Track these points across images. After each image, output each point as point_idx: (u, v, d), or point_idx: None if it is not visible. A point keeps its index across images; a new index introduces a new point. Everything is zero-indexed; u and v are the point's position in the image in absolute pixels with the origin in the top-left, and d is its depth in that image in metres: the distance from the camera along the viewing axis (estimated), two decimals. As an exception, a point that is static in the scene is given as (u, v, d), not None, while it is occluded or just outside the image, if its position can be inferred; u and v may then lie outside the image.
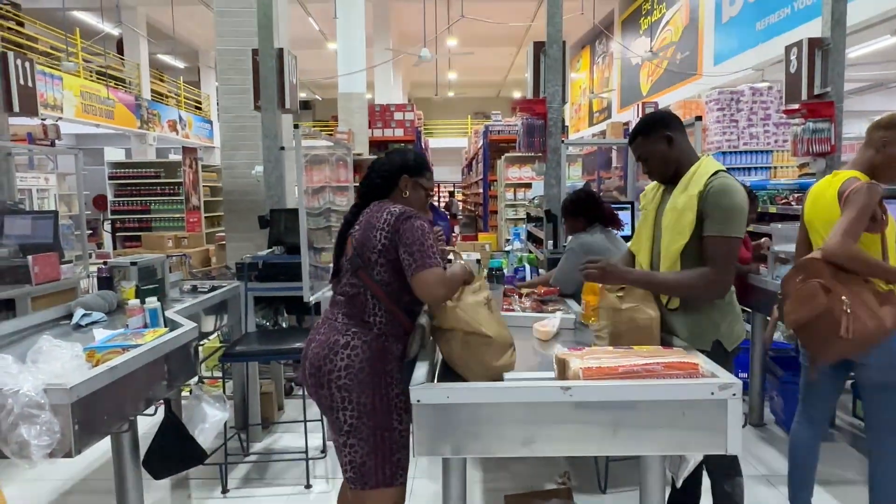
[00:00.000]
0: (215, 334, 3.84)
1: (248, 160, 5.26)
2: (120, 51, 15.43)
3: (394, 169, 1.94)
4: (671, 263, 2.02)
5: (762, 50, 9.08)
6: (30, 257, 3.55)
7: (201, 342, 3.14)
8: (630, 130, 2.15)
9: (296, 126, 3.36)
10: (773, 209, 4.64)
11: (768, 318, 2.67)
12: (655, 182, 2.21)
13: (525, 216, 7.20)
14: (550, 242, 4.08)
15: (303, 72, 5.04)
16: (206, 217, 10.62)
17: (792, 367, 3.46)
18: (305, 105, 25.28)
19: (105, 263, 3.13)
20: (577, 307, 2.62)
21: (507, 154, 9.30)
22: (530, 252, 5.51)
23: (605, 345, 1.91)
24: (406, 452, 1.86)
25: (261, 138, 4.38)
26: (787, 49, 4.09)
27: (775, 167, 7.94)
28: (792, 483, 2.45)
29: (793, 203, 4.49)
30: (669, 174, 2.08)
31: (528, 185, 8.73)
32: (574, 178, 8.89)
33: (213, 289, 3.39)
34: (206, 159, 15.57)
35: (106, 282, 3.03)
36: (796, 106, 3.94)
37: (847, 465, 3.08)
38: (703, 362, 1.65)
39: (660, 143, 2.04)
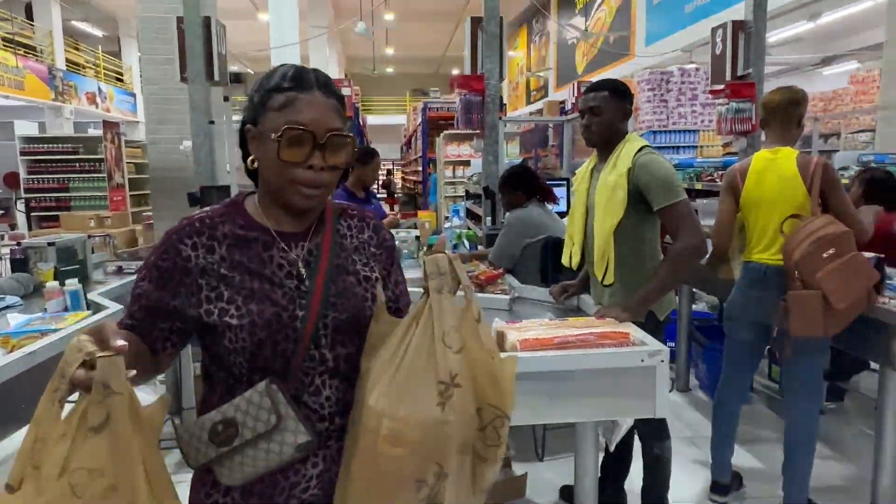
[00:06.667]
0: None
1: (176, 135, 5.02)
2: (29, 16, 14.29)
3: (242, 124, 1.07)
4: (604, 241, 2.09)
5: (691, 32, 9.38)
6: (-69, 239, 3.28)
7: (129, 325, 3.01)
8: (590, 86, 2.15)
9: (226, 98, 3.22)
10: (699, 186, 4.88)
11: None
12: (586, 164, 2.27)
13: (464, 193, 7.23)
14: (489, 219, 4.12)
15: (233, 43, 4.82)
16: (131, 196, 10.08)
17: (715, 335, 3.65)
18: (237, 78, 24.19)
19: (18, 244, 2.93)
20: (515, 282, 2.66)
21: (445, 131, 9.28)
22: (469, 229, 5.55)
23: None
24: None
25: (188, 112, 4.18)
26: (714, 31, 4.24)
27: (701, 146, 8.28)
28: (715, 443, 2.61)
29: (717, 180, 4.70)
30: (601, 140, 2.13)
31: (467, 163, 8.75)
32: (512, 155, 8.98)
33: (141, 269, 3.23)
34: (129, 134, 14.73)
35: (20, 264, 2.83)
36: (721, 86, 4.10)
37: (764, 425, 3.30)
38: (634, 331, 1.72)
39: (619, 110, 2.10)
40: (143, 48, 5.13)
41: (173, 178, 5.03)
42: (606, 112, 2.09)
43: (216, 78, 4.19)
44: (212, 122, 4.15)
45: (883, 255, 2.39)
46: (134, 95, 17.63)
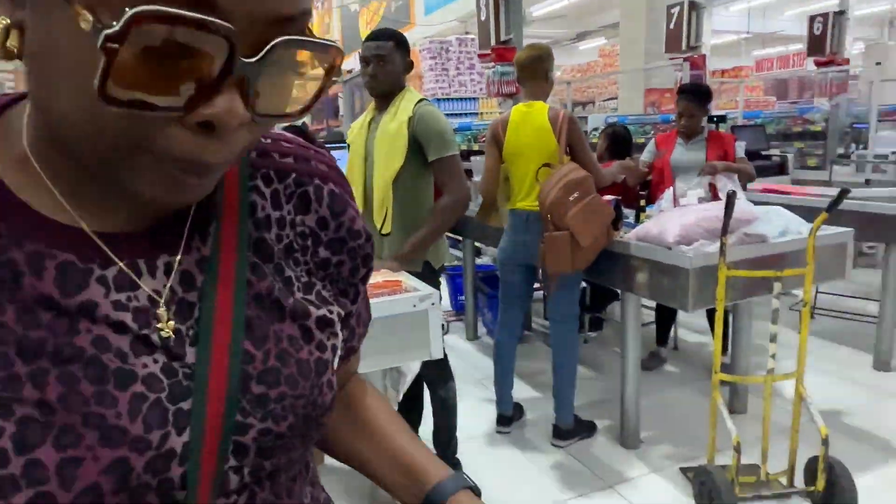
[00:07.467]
0: None
1: None
2: None
3: None
4: (384, 189, 2.12)
5: (465, 2, 9.84)
6: None
7: None
8: (376, 35, 2.17)
9: None
10: (476, 147, 5.22)
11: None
12: (363, 117, 2.29)
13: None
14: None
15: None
16: None
17: (497, 285, 3.95)
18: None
19: None
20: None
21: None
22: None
23: None
24: None
25: None
26: (477, -2, 4.49)
27: (482, 112, 8.84)
28: (497, 380, 2.83)
29: (492, 141, 5.07)
30: (385, 88, 2.16)
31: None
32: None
33: None
34: None
35: None
36: (487, 51, 4.37)
37: (540, 359, 3.67)
38: (406, 279, 1.76)
39: (401, 62, 2.15)
40: None
41: None
42: (392, 61, 2.12)
43: None
44: None
45: (620, 197, 2.76)
46: None
